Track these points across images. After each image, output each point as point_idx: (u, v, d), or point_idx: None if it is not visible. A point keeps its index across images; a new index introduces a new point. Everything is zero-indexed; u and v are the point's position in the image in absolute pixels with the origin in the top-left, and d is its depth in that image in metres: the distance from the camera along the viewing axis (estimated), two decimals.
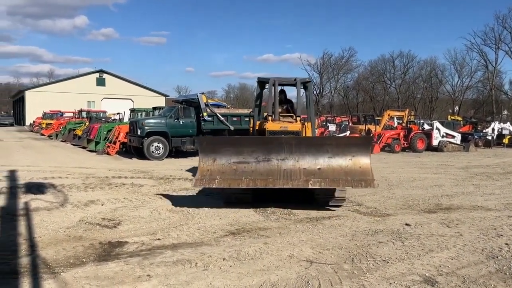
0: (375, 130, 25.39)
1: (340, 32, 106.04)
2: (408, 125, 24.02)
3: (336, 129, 27.16)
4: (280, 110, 9.30)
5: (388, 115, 28.32)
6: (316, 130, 14.66)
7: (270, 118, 8.72)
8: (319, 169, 6.81)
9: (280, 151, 6.93)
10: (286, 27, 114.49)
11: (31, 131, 38.21)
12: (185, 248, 5.04)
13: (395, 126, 27.75)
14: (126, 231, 5.76)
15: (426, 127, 26.41)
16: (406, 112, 27.61)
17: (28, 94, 54.67)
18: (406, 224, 6.34)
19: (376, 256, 4.86)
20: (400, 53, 66.20)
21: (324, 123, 32.39)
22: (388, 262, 4.65)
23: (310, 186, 6.69)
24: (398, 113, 29.87)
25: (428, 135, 23.17)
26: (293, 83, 9.45)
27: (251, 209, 7.17)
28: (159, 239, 5.39)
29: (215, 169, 6.92)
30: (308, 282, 4.04)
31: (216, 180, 6.78)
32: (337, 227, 6.20)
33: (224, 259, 4.66)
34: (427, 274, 4.28)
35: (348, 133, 27.02)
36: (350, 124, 30.69)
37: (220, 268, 4.38)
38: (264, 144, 7.14)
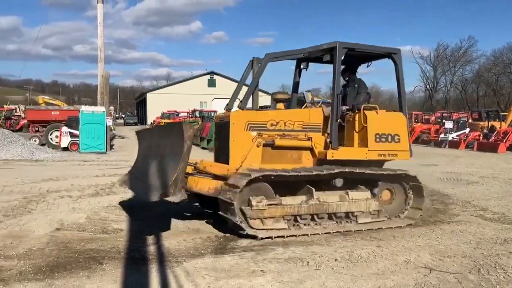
0: (500, 127, 22.87)
1: (457, 21, 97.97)
2: None
3: (453, 126, 24.93)
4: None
5: None
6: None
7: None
8: None
9: None
10: (395, 20, 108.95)
11: None
12: (296, 246, 5.08)
13: None
14: None
15: None
16: None
17: (149, 96, 60.17)
18: None
19: (507, 267, 4.38)
20: None
21: (440, 120, 30.10)
22: None
23: None
24: None
25: None
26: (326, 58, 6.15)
27: None
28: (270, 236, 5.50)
29: None
30: None
31: None
32: (459, 233, 5.71)
33: (336, 259, 4.59)
34: None
35: (467, 130, 24.71)
36: (470, 121, 28.11)
37: (333, 268, 4.32)
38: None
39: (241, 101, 5.91)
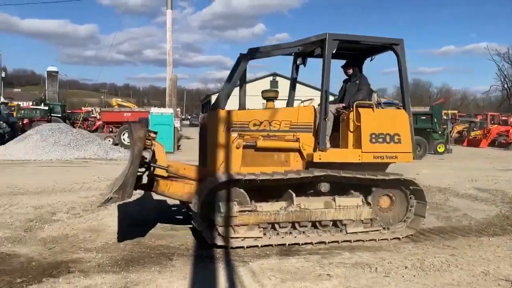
0: None
1: None
2: None
3: None
4: None
5: None
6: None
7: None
8: None
9: None
10: (470, 15, 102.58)
11: None
12: (363, 251, 4.94)
13: None
14: None
15: None
16: None
17: (214, 98, 61.56)
18: None
19: None
20: None
21: None
22: None
23: None
24: None
25: None
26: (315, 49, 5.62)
27: (430, 214, 6.62)
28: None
29: None
30: None
31: None
32: None
33: (406, 267, 4.40)
34: None
35: None
36: None
37: (403, 276, 4.15)
38: None
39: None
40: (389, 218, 5.62)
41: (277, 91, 6.10)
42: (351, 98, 5.77)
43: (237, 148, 5.31)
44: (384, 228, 5.51)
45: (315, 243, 5.13)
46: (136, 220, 6.23)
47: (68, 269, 4.19)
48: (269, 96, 5.92)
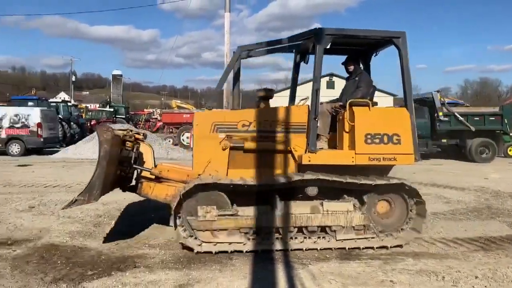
0: None
1: None
2: None
3: None
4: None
5: None
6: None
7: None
8: None
9: None
10: None
11: None
12: (428, 258, 4.73)
13: None
14: None
15: None
16: None
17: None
18: None
19: None
20: None
21: None
22: None
23: None
24: None
25: None
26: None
27: (501, 222, 6.19)
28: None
29: None
30: None
31: None
32: None
33: (476, 277, 4.15)
34: None
35: None
36: None
37: (473, 287, 3.92)
38: None
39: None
40: (385, 225, 5.15)
41: (272, 90, 5.87)
42: (348, 96, 5.49)
43: (223, 149, 5.12)
44: (378, 236, 5.07)
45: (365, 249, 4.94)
46: None
47: (134, 264, 4.39)
48: (264, 95, 5.66)
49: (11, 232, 5.62)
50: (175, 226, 4.72)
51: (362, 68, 5.96)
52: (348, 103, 5.14)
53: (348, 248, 4.92)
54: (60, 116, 21.76)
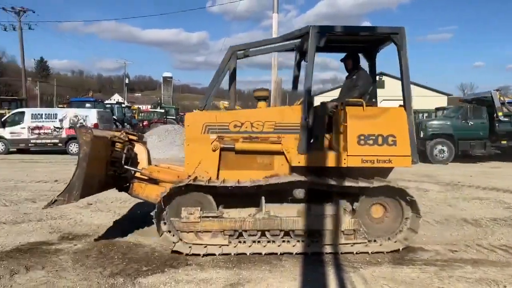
0: None
1: None
2: None
3: None
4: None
5: None
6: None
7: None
8: None
9: None
10: None
11: None
12: (488, 266, 4.49)
13: None
14: (418, 237, 5.60)
15: None
16: None
17: (316, 99, 60.99)
18: None
19: None
20: None
21: None
22: None
23: None
24: None
25: None
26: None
27: None
28: (455, 251, 5.00)
29: None
30: None
31: None
32: None
33: None
34: None
35: None
36: None
37: None
38: None
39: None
40: (379, 230, 4.94)
41: (267, 90, 5.71)
42: (345, 96, 5.31)
43: (214, 150, 5.07)
44: (370, 241, 4.87)
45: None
46: None
47: (186, 261, 4.50)
48: (260, 95, 5.56)
49: (72, 227, 5.95)
50: (160, 231, 4.73)
51: (371, 65, 5.80)
52: (341, 103, 5.03)
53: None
54: (114, 117, 22.76)
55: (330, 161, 4.89)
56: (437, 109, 22.31)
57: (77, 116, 17.88)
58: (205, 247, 4.73)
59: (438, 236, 5.69)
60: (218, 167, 5.11)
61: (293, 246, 4.79)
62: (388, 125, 4.89)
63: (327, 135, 5.33)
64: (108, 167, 5.31)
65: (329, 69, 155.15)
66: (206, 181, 4.73)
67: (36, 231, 5.71)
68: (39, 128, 17.56)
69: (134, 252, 4.84)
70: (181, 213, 4.72)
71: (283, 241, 4.81)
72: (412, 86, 5.41)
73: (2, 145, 17.71)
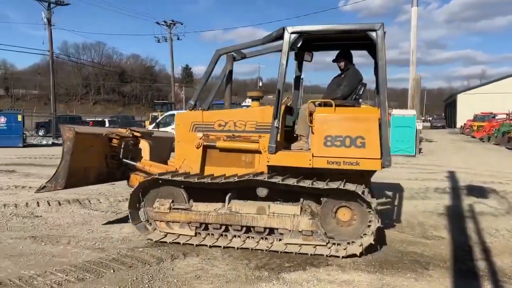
0: None
1: None
2: None
3: None
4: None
5: None
6: None
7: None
8: None
9: None
10: None
11: (462, 133, 38.80)
12: None
13: None
14: None
15: None
16: None
17: (459, 97, 56.04)
18: None
19: None
20: None
21: None
22: None
23: None
24: None
25: None
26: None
27: None
28: None
29: None
30: None
31: None
32: None
33: None
34: None
35: None
36: None
37: None
38: None
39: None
40: (346, 233, 4.73)
41: (260, 91, 5.74)
42: (327, 95, 5.35)
43: (197, 148, 5.41)
44: (327, 243, 4.72)
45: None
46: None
47: (327, 261, 4.54)
48: (253, 96, 5.85)
49: None
50: (134, 220, 5.18)
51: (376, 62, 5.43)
52: (316, 103, 5.14)
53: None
54: None
55: (297, 162, 5.00)
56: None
57: None
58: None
59: None
60: (201, 163, 5.49)
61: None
62: (358, 126, 4.82)
63: (305, 135, 5.38)
64: (109, 161, 5.99)
65: (476, 63, 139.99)
66: (169, 176, 5.10)
67: None
68: None
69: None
70: (152, 204, 5.22)
71: (247, 237, 5.01)
72: None
73: None
